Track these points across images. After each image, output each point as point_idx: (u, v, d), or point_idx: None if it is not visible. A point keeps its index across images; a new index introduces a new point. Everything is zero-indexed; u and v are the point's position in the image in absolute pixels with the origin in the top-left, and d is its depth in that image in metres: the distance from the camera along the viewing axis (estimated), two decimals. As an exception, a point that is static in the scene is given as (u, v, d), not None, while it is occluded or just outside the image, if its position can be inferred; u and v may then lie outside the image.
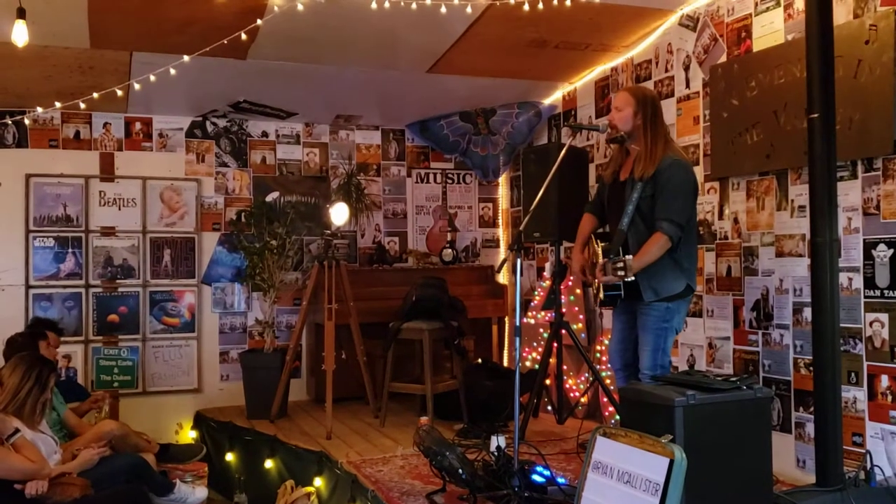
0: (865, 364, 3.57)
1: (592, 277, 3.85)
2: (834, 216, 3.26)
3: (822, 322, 3.25)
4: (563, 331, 4.77)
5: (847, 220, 3.63)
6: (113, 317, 5.95)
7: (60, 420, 4.43)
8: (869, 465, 3.32)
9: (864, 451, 3.50)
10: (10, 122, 5.51)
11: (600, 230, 4.03)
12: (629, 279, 3.51)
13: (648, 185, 3.63)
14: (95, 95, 4.58)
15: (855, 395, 3.60)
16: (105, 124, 5.98)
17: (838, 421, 3.26)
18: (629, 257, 3.51)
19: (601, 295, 3.79)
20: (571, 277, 5.25)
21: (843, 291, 3.57)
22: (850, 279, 3.63)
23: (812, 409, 3.51)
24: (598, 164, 5.40)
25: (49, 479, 3.48)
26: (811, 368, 3.43)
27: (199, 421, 5.87)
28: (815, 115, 3.24)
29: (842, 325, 3.39)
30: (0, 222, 5.70)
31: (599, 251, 3.80)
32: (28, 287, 5.75)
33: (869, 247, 3.57)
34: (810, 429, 3.71)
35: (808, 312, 3.73)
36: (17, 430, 3.50)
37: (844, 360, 3.52)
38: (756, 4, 4.14)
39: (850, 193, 3.61)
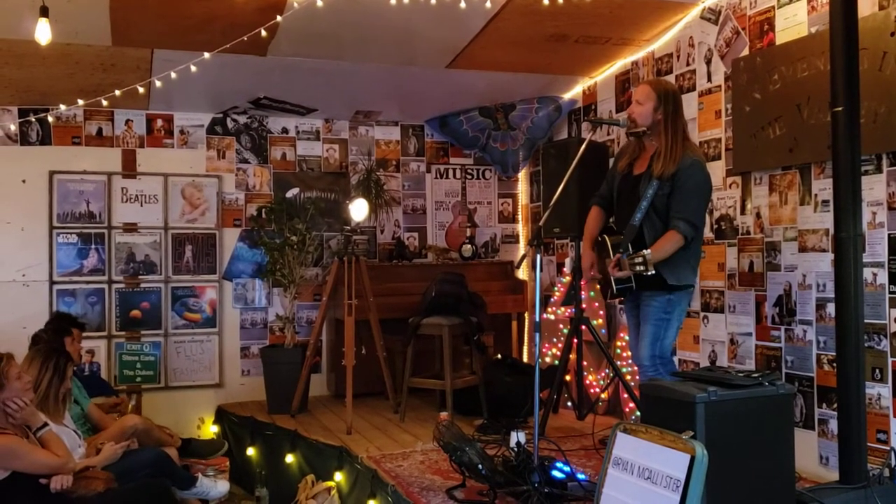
0: (890, 360, 3.53)
1: (600, 274, 3.86)
2: (858, 211, 3.22)
3: (845, 318, 3.21)
4: (583, 326, 4.75)
5: (871, 215, 3.58)
6: (135, 312, 6.01)
7: (84, 414, 4.47)
8: (893, 463, 3.29)
9: (888, 448, 3.47)
10: (33, 119, 5.57)
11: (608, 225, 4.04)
12: (650, 273, 3.49)
13: (666, 183, 3.65)
14: (117, 93, 4.62)
15: (879, 392, 3.56)
16: (127, 121, 6.04)
17: (862, 418, 3.22)
18: (648, 252, 3.49)
19: (614, 289, 3.79)
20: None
21: (867, 287, 3.53)
22: (875, 274, 3.58)
23: (835, 405, 3.47)
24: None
25: (73, 473, 3.51)
26: (834, 365, 3.39)
27: (221, 415, 5.91)
28: (839, 109, 3.20)
29: (866, 320, 3.36)
30: (24, 219, 5.77)
31: (610, 246, 3.79)
32: (52, 283, 5.82)
33: (894, 242, 3.52)
34: (833, 426, 3.68)
35: (831, 308, 3.69)
36: (45, 424, 3.54)
37: (868, 356, 3.49)
38: (779, -3, 4.10)
39: (874, 188, 3.57)
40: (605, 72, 5.66)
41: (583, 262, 4.06)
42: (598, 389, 5.29)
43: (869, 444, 3.34)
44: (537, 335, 3.56)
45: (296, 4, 4.05)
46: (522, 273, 6.59)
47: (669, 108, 3.72)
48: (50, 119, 5.51)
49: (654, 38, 5.04)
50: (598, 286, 5.32)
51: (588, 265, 3.99)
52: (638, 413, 4.22)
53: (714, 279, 4.53)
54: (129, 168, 6.04)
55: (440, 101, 6.32)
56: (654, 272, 3.51)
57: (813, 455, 3.87)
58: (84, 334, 5.09)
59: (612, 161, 5.33)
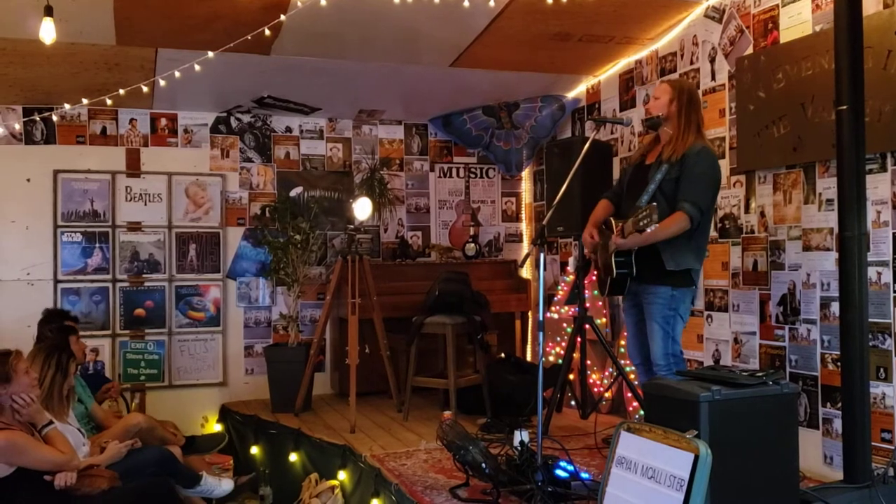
0: (894, 359, 3.52)
1: (606, 254, 3.86)
2: (863, 210, 3.21)
3: (850, 317, 3.20)
4: (587, 325, 4.75)
5: (876, 214, 3.58)
6: (139, 311, 6.02)
7: (88, 413, 4.49)
8: (898, 462, 3.28)
9: (892, 447, 3.46)
10: (38, 118, 5.58)
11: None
12: (652, 227, 3.44)
13: (675, 167, 3.70)
14: (121, 92, 4.63)
15: (884, 391, 3.56)
16: (131, 120, 6.05)
17: (866, 417, 3.21)
18: (654, 204, 3.48)
19: (613, 273, 3.79)
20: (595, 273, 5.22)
21: (871, 286, 3.53)
22: (879, 273, 3.58)
23: (839, 404, 3.47)
24: (622, 158, 5.37)
25: (77, 471, 3.52)
26: (839, 364, 3.38)
27: (225, 414, 5.92)
28: (844, 107, 3.18)
29: (870, 319, 3.34)
30: (29, 218, 5.79)
31: (614, 224, 3.80)
32: (56, 281, 5.83)
33: (899, 241, 3.52)
34: (838, 425, 3.67)
35: (835, 307, 3.68)
36: (51, 422, 3.55)
37: (873, 355, 3.48)
38: (783, -5, 4.10)
39: (879, 186, 3.56)
40: (608, 71, 5.65)
41: (584, 235, 4.06)
42: (601, 388, 5.28)
43: (873, 443, 3.32)
44: (541, 334, 3.55)
45: (299, 3, 4.06)
46: (526, 272, 6.59)
47: (684, 99, 3.80)
48: (54, 118, 5.52)
49: (657, 37, 5.04)
50: (597, 284, 5.33)
51: (587, 234, 4.01)
52: (642, 412, 4.22)
53: (718, 278, 4.52)
54: (133, 167, 6.05)
55: (444, 100, 6.32)
56: (655, 226, 3.45)
57: (817, 454, 3.87)
58: (88, 333, 5.10)
59: (618, 161, 5.37)
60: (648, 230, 3.47)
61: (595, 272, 4.27)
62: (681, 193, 3.67)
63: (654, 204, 3.49)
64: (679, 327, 3.80)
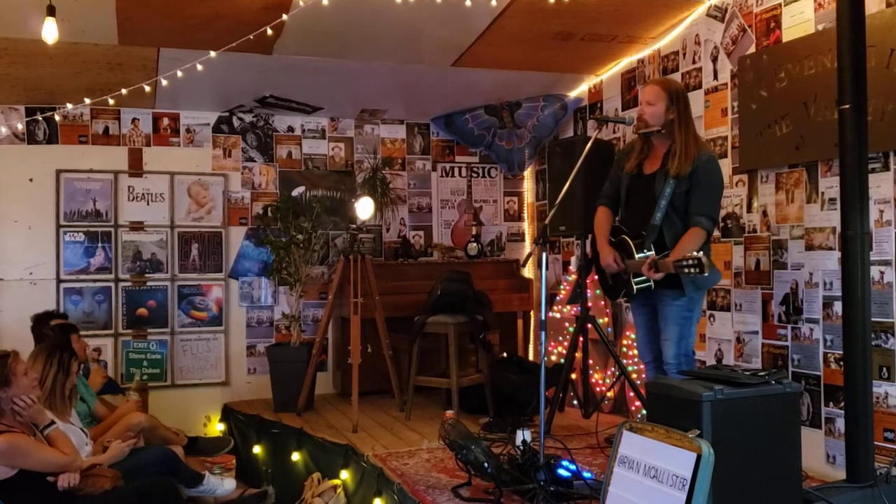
0: (897, 359, 3.53)
1: (623, 266, 3.82)
2: (865, 209, 3.21)
3: (852, 316, 3.20)
4: (589, 325, 4.74)
5: (879, 213, 3.57)
6: (142, 310, 6.02)
7: (91, 413, 4.49)
8: (901, 462, 3.28)
9: (895, 447, 3.45)
10: (40, 118, 5.59)
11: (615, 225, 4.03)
12: (705, 275, 3.38)
13: (684, 181, 3.67)
14: (124, 91, 4.63)
15: (886, 391, 3.55)
16: (133, 120, 6.05)
17: (869, 416, 3.21)
18: (701, 253, 3.39)
19: (634, 290, 3.77)
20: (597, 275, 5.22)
21: (874, 285, 3.52)
22: (882, 273, 3.57)
23: (842, 404, 3.47)
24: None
25: (80, 471, 3.52)
26: (841, 363, 3.38)
27: (227, 414, 5.92)
28: (846, 106, 3.18)
29: (873, 319, 3.34)
30: (31, 217, 5.79)
31: (633, 247, 3.77)
32: (59, 281, 5.83)
33: (901, 240, 3.51)
34: (840, 424, 3.67)
35: (838, 306, 3.68)
36: (52, 422, 3.55)
37: (876, 354, 3.48)
38: (785, -6, 4.09)
39: (881, 185, 3.56)
40: (610, 70, 5.65)
41: (605, 259, 3.94)
42: (603, 388, 5.28)
43: (876, 442, 3.33)
44: (543, 333, 3.55)
45: (301, 3, 4.06)
46: (528, 271, 6.59)
47: (681, 106, 3.75)
48: (57, 118, 5.52)
49: (660, 36, 5.03)
50: (602, 288, 5.32)
51: (612, 260, 3.89)
52: (644, 411, 4.22)
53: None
54: (136, 167, 6.05)
55: (446, 100, 6.32)
56: (707, 274, 3.39)
57: (820, 454, 3.86)
58: (91, 333, 5.10)
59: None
60: (695, 274, 3.37)
61: (596, 274, 4.25)
62: (694, 207, 3.65)
63: (703, 255, 3.35)
64: (693, 328, 3.79)
